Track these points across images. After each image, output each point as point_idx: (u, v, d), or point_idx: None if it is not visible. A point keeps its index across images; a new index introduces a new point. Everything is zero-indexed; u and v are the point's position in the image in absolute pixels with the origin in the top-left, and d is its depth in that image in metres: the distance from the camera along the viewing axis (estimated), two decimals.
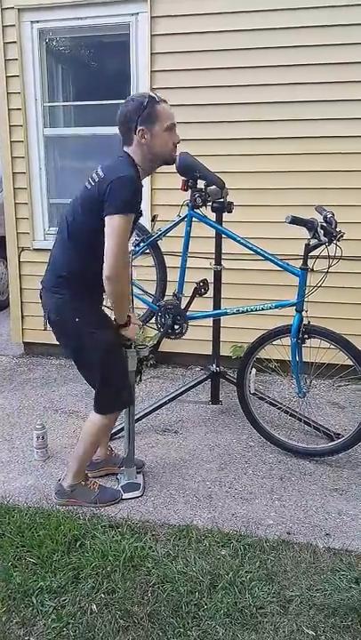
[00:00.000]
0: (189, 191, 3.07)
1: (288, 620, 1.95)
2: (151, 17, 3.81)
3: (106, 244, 2.19)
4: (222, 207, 3.09)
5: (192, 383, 3.47)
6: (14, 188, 4.37)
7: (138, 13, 3.85)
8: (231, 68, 3.78)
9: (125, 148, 2.34)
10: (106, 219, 2.20)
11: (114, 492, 2.65)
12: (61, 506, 2.58)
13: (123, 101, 2.34)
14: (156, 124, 2.28)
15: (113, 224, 2.19)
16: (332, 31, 3.58)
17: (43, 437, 2.99)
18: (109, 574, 2.14)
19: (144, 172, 2.36)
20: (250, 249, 3.00)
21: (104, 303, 2.54)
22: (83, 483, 2.61)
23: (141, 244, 3.41)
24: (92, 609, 1.99)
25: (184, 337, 3.25)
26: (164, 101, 2.32)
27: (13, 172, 4.34)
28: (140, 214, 2.43)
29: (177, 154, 2.42)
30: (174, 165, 2.98)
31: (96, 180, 2.29)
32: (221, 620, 1.94)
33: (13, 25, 4.07)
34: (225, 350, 3.70)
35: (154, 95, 2.30)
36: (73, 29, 4.11)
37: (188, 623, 1.93)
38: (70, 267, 2.39)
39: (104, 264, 2.20)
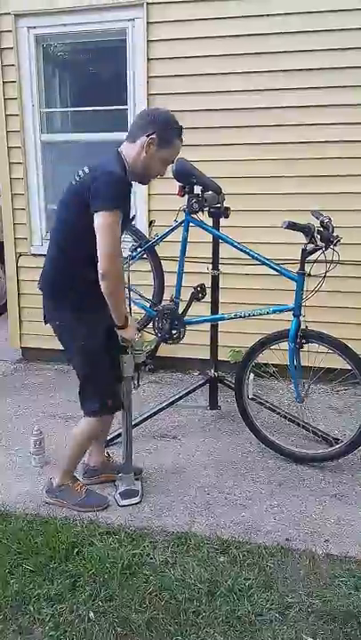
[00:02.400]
0: (186, 197, 3.07)
1: (287, 626, 1.94)
2: (147, 22, 3.81)
3: (97, 242, 2.18)
4: (219, 212, 3.09)
5: (190, 388, 3.46)
6: (12, 194, 4.37)
7: (134, 19, 3.85)
8: (227, 73, 3.78)
9: (125, 144, 2.34)
10: (94, 216, 2.18)
11: (100, 498, 2.64)
12: (49, 504, 2.61)
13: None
14: (165, 150, 2.31)
15: (101, 221, 2.18)
16: (326, 36, 3.60)
17: (40, 443, 2.98)
18: (107, 582, 2.12)
19: (132, 175, 2.35)
20: (247, 254, 2.99)
21: None
22: (70, 484, 2.62)
23: (138, 249, 3.41)
24: (89, 617, 1.98)
25: (182, 342, 3.25)
26: (182, 141, 2.37)
27: (11, 178, 4.34)
28: (133, 218, 2.44)
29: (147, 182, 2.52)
30: (171, 171, 3.01)
31: (81, 175, 2.29)
32: (220, 628, 1.92)
33: (10, 31, 4.08)
34: (223, 355, 3.69)
35: (182, 129, 2.35)
36: (70, 35, 4.12)
37: (186, 631, 1.91)
38: (58, 270, 2.42)
39: (98, 262, 2.19)
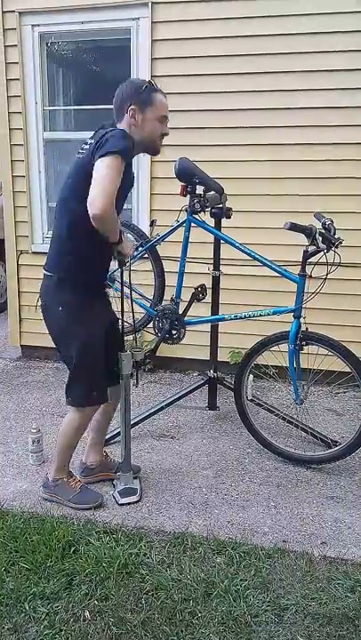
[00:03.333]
0: (188, 196, 3.07)
1: (283, 628, 1.93)
2: (152, 22, 3.82)
3: (93, 183, 2.07)
4: (221, 213, 3.09)
5: (189, 388, 3.45)
6: (13, 192, 4.37)
7: (139, 18, 3.86)
8: (232, 74, 3.78)
9: (117, 125, 2.35)
10: (96, 163, 2.11)
11: (94, 495, 2.63)
12: (45, 499, 2.63)
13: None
14: (149, 110, 2.31)
15: (102, 163, 2.08)
16: (326, 37, 3.60)
17: (38, 441, 2.98)
18: (103, 581, 2.12)
19: (137, 148, 2.35)
20: (248, 255, 2.99)
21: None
22: (65, 480, 2.62)
23: (140, 249, 3.41)
24: (85, 616, 1.97)
25: (182, 342, 3.24)
26: (162, 93, 2.35)
27: (13, 176, 4.35)
28: (133, 181, 2.46)
29: (161, 144, 2.42)
30: (173, 170, 3.01)
31: (86, 147, 2.27)
32: (216, 629, 1.92)
33: (14, 28, 4.08)
34: (223, 356, 3.69)
35: (153, 82, 2.33)
36: (74, 33, 4.12)
37: (181, 631, 1.91)
38: (61, 249, 2.39)
39: (89, 200, 2.06)
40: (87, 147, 2.28)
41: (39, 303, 2.49)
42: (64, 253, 2.39)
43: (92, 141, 2.25)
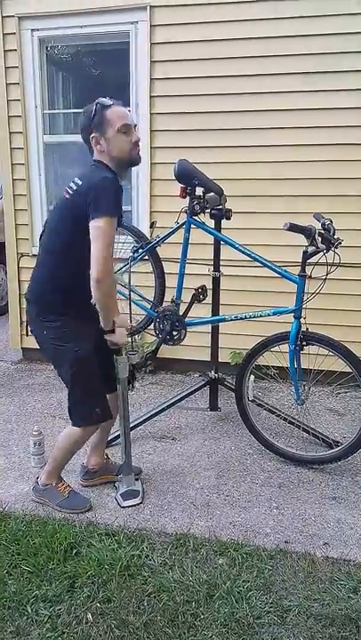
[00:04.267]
0: (188, 198, 3.07)
1: (285, 630, 1.93)
2: (151, 25, 3.82)
3: (93, 248, 2.18)
4: (221, 214, 3.09)
5: (190, 390, 3.46)
6: (14, 195, 4.38)
7: (137, 22, 3.86)
8: (230, 76, 3.79)
9: (93, 157, 2.37)
10: (91, 223, 2.19)
11: (82, 501, 2.62)
12: (36, 502, 2.64)
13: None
14: (108, 129, 2.30)
15: (99, 226, 2.18)
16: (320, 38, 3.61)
17: (40, 444, 2.98)
18: (105, 583, 2.12)
19: (117, 169, 2.37)
20: (248, 256, 2.99)
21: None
22: (54, 484, 2.62)
23: (140, 251, 3.41)
24: (87, 618, 1.97)
25: (182, 343, 3.25)
26: (117, 104, 2.35)
27: (13, 179, 4.36)
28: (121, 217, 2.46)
29: (139, 152, 2.40)
30: (173, 172, 3.01)
31: (74, 188, 2.30)
32: (218, 630, 1.91)
33: (14, 33, 4.09)
34: (224, 357, 3.69)
35: (103, 100, 2.33)
36: (73, 37, 4.13)
37: (184, 633, 1.90)
38: (42, 279, 2.43)
39: (92, 268, 2.19)
40: (75, 188, 2.30)
41: (28, 327, 2.54)
42: (46, 291, 2.42)
43: (81, 184, 2.28)
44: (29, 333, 2.53)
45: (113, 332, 2.39)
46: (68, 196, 2.33)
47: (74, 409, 2.51)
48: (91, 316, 2.44)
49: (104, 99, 2.34)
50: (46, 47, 4.22)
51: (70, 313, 2.40)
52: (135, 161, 2.41)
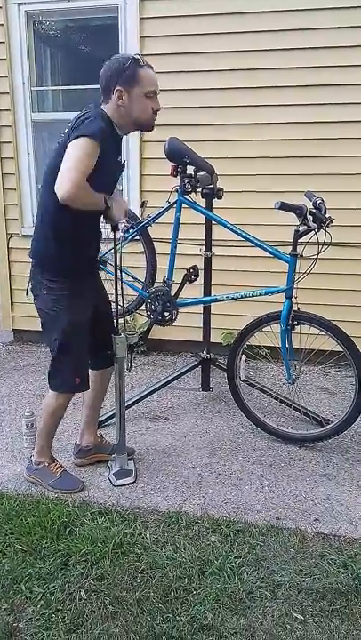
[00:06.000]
0: (179, 177, 3.04)
1: (277, 604, 1.96)
2: (140, 0, 3.75)
3: (61, 166, 2.07)
4: (212, 193, 3.06)
5: (183, 370, 3.46)
6: (2, 174, 4.32)
7: None
8: (222, 52, 3.73)
9: (103, 106, 2.31)
10: (67, 147, 2.10)
11: (74, 482, 2.63)
12: (29, 481, 2.65)
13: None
14: (136, 87, 2.24)
15: (73, 145, 2.08)
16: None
17: (32, 425, 2.98)
18: (98, 561, 2.14)
19: (127, 127, 2.33)
20: (240, 235, 2.98)
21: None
22: (47, 464, 2.64)
23: (131, 231, 3.38)
24: (80, 595, 1.99)
25: (174, 324, 3.23)
26: (150, 66, 2.29)
27: (1, 158, 4.29)
28: (123, 166, 2.43)
29: (154, 120, 2.36)
30: (163, 151, 2.98)
31: (65, 130, 2.25)
32: (210, 606, 1.94)
33: (0, 7, 3.99)
34: (216, 337, 3.70)
35: (139, 58, 2.26)
36: (61, 12, 4.04)
37: (177, 609, 1.93)
38: (43, 235, 2.39)
39: (56, 184, 2.06)
40: (65, 130, 2.25)
41: (29, 286, 2.48)
42: (46, 239, 2.37)
43: (70, 125, 2.24)
44: (28, 293, 2.49)
45: (108, 208, 2.29)
46: (59, 140, 2.26)
47: (54, 373, 2.52)
48: (94, 283, 2.46)
49: (139, 56, 2.28)
50: (34, 22, 4.13)
51: (71, 274, 2.37)
52: (150, 127, 2.37)
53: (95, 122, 2.15)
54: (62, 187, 2.06)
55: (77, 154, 2.07)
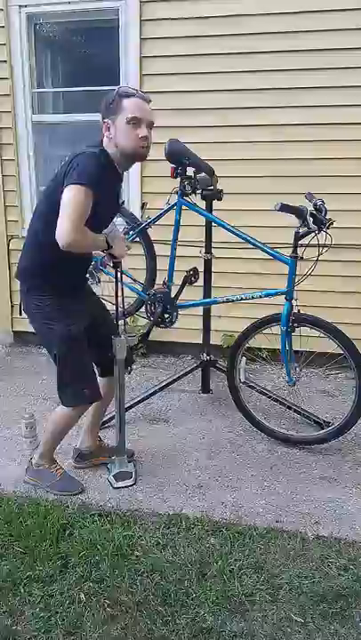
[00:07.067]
0: (179, 178, 3.04)
1: (277, 607, 1.95)
2: (140, 2, 3.75)
3: (59, 216, 2.10)
4: (212, 195, 3.07)
5: (182, 372, 3.46)
6: (2, 176, 4.32)
7: None
8: (221, 54, 3.73)
9: (103, 143, 2.33)
10: (63, 193, 2.13)
11: (74, 484, 2.62)
12: (28, 483, 2.64)
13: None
14: (118, 116, 2.23)
15: (67, 194, 2.11)
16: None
17: (32, 427, 2.97)
18: (98, 563, 2.13)
19: (122, 159, 2.32)
20: (240, 237, 2.97)
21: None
22: (47, 466, 2.63)
23: (131, 233, 3.39)
24: (80, 598, 1.99)
25: (174, 326, 3.24)
26: (141, 98, 2.26)
27: (2, 159, 4.29)
28: (122, 203, 2.41)
29: (144, 148, 2.29)
30: (163, 152, 2.98)
31: (62, 163, 2.26)
32: (210, 609, 1.94)
33: (1, 9, 4.00)
34: (216, 339, 3.69)
35: (124, 88, 2.27)
36: (62, 14, 4.04)
37: (176, 612, 1.92)
38: (29, 262, 2.41)
39: (57, 233, 2.09)
40: (60, 166, 2.26)
41: (22, 306, 2.49)
42: (32, 260, 2.40)
43: (67, 159, 2.24)
44: (22, 312, 2.49)
45: (109, 247, 2.33)
46: (56, 170, 2.28)
47: (63, 389, 2.50)
48: (82, 296, 2.44)
49: (127, 87, 2.29)
50: (34, 25, 4.13)
51: (59, 291, 2.37)
52: (138, 156, 2.33)
53: (88, 167, 2.16)
54: (62, 237, 2.10)
55: (72, 202, 2.11)
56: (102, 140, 2.31)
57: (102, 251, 2.38)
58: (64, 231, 2.09)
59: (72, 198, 2.11)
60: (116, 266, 2.50)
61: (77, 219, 2.11)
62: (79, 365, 2.46)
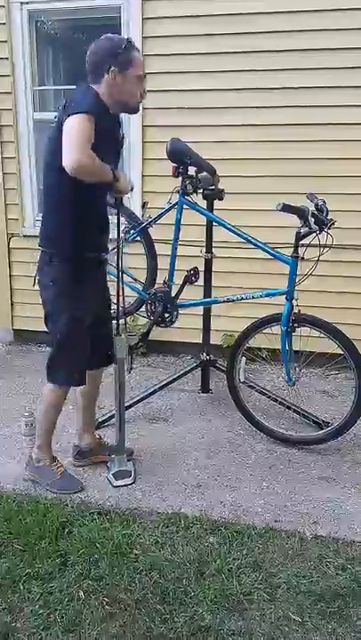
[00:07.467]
0: (180, 178, 3.04)
1: (275, 606, 1.96)
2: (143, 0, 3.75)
3: (63, 143, 2.07)
4: (213, 194, 3.07)
5: (182, 371, 3.47)
6: (3, 174, 4.31)
7: None
8: (223, 52, 3.73)
9: (92, 85, 2.30)
10: (63, 126, 2.10)
11: (74, 483, 2.62)
12: (27, 479, 2.64)
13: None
14: (130, 69, 2.27)
15: (69, 123, 2.08)
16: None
17: (31, 425, 2.97)
18: (97, 561, 2.14)
19: (116, 107, 2.34)
20: (241, 237, 2.98)
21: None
22: (48, 463, 2.63)
23: (132, 232, 3.39)
24: (79, 595, 1.99)
25: (174, 325, 3.24)
26: (138, 51, 2.33)
27: (3, 157, 4.29)
28: (122, 145, 2.47)
29: (141, 103, 2.40)
30: (165, 151, 2.98)
31: (57, 114, 2.25)
32: (209, 607, 1.94)
33: (3, 6, 3.99)
34: (216, 339, 3.69)
35: (132, 41, 2.31)
36: (63, 11, 4.04)
37: (175, 610, 1.93)
38: (50, 221, 2.40)
39: (63, 160, 2.06)
40: (57, 114, 2.25)
41: (37, 277, 2.48)
42: (53, 225, 2.39)
43: (62, 104, 2.24)
44: (35, 284, 2.47)
45: (117, 180, 2.30)
46: (52, 125, 2.26)
47: (53, 366, 2.51)
48: (100, 280, 2.52)
49: (131, 39, 2.33)
50: (36, 22, 4.13)
51: (78, 253, 2.37)
52: (137, 109, 2.42)
53: (86, 97, 2.18)
54: (69, 157, 2.06)
55: (75, 128, 2.08)
56: (91, 85, 2.30)
57: (107, 187, 2.33)
58: (71, 154, 2.05)
59: (75, 125, 2.08)
60: (118, 206, 2.47)
61: (83, 143, 2.07)
62: (76, 349, 2.47)
